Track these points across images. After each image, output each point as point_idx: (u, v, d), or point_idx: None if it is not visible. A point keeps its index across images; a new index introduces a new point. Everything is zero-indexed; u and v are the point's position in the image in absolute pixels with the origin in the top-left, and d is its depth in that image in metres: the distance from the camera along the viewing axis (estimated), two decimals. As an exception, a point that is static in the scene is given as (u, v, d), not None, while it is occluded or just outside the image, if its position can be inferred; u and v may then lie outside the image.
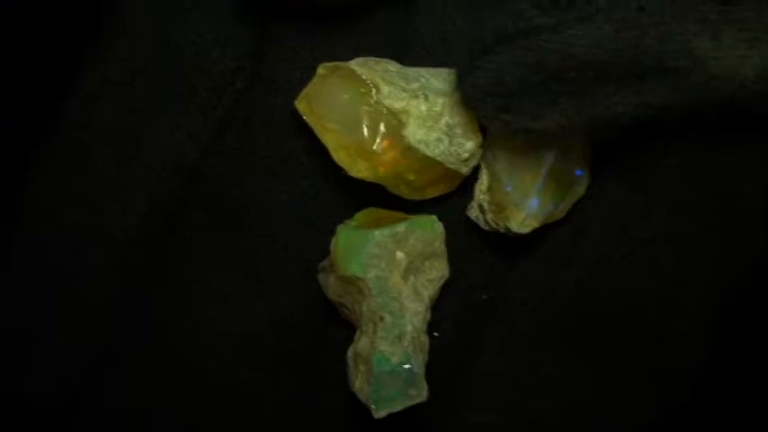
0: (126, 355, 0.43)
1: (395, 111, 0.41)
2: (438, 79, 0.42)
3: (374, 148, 0.41)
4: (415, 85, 0.41)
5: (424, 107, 0.41)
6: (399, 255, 0.41)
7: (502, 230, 0.42)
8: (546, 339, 0.43)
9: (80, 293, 0.42)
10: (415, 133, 0.41)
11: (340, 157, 0.41)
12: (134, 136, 0.42)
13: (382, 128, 0.41)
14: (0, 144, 0.42)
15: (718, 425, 0.43)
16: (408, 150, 0.41)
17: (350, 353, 0.41)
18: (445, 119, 0.41)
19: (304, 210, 0.43)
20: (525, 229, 0.42)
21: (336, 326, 0.43)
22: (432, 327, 0.43)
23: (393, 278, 0.41)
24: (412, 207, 0.43)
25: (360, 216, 0.42)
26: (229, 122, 0.43)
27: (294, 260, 0.43)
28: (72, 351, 0.42)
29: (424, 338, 0.41)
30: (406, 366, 0.40)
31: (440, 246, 0.42)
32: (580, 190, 0.43)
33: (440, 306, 0.43)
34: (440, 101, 0.41)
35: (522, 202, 0.42)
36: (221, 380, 0.43)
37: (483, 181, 0.43)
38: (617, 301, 0.43)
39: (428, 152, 0.41)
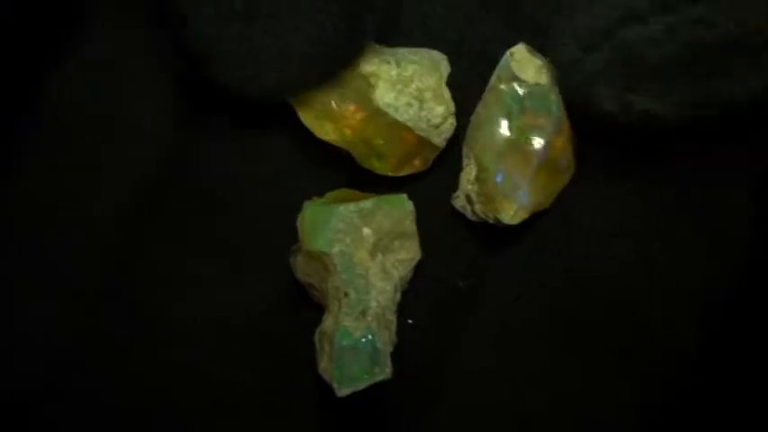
0: (108, 339, 0.43)
1: (365, 74, 0.41)
2: (412, 53, 0.42)
3: (340, 109, 0.41)
4: (388, 55, 0.41)
5: (394, 72, 0.41)
6: (366, 231, 0.40)
7: (491, 221, 0.42)
8: (536, 332, 0.42)
9: (62, 278, 0.42)
10: (383, 96, 0.41)
11: (307, 119, 0.41)
12: (110, 120, 0.43)
13: (350, 90, 0.41)
14: None
15: (708, 416, 0.43)
16: (377, 114, 0.41)
17: (317, 334, 0.41)
18: (416, 83, 0.41)
19: (278, 192, 0.43)
20: (515, 221, 0.42)
21: (308, 309, 0.42)
22: (407, 312, 0.42)
23: (359, 254, 0.40)
24: (390, 192, 0.42)
25: (330, 195, 0.42)
26: (204, 105, 0.43)
27: (268, 243, 0.43)
28: (55, 336, 0.42)
29: (391, 317, 0.40)
30: (369, 339, 0.39)
31: (410, 225, 0.41)
32: (565, 179, 0.43)
33: (414, 291, 0.42)
34: (411, 67, 0.41)
35: (512, 193, 0.42)
36: (199, 365, 0.42)
37: (470, 171, 0.42)
38: (608, 294, 0.42)
39: (397, 116, 0.41)
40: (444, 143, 0.42)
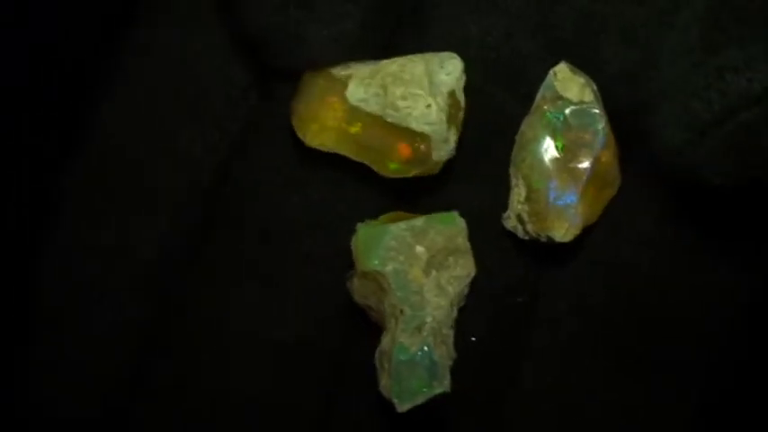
0: (158, 376, 0.43)
1: (340, 77, 0.42)
2: (406, 58, 0.43)
3: (321, 114, 0.42)
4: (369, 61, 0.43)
5: (367, 70, 0.42)
6: (419, 249, 0.41)
7: (543, 240, 0.42)
8: (589, 348, 0.43)
9: (108, 315, 0.43)
10: (354, 93, 0.42)
11: (299, 129, 0.43)
12: (153, 152, 0.43)
13: (330, 93, 0.42)
14: (25, 166, 0.43)
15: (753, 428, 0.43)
16: (353, 111, 0.42)
17: (377, 353, 0.41)
18: (381, 74, 0.42)
19: (324, 217, 0.43)
20: (568, 238, 0.42)
21: (368, 332, 0.43)
22: (467, 330, 0.42)
23: (413, 272, 0.41)
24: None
25: (383, 217, 0.42)
26: (245, 136, 0.44)
27: (317, 269, 0.43)
28: (103, 376, 0.43)
29: (448, 332, 0.41)
30: (425, 351, 0.40)
31: (463, 242, 0.42)
32: (612, 192, 0.43)
33: (472, 308, 0.43)
34: (384, 61, 0.43)
35: (563, 212, 0.42)
36: (255, 396, 0.43)
37: (520, 191, 0.43)
38: (660, 307, 0.43)
39: (368, 109, 0.42)
40: (430, 129, 0.42)
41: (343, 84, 0.42)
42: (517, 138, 0.44)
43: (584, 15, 0.44)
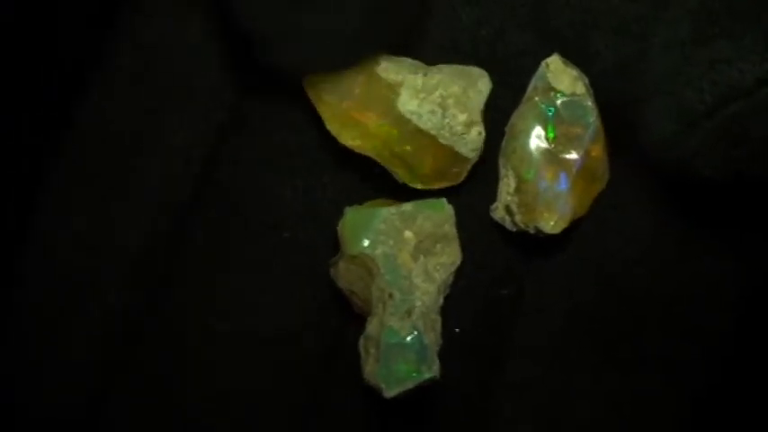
0: (143, 362, 0.42)
1: (391, 82, 0.41)
2: (445, 67, 0.42)
3: (364, 116, 0.41)
4: (415, 66, 0.42)
5: (420, 81, 0.41)
6: (407, 234, 0.40)
7: (531, 232, 0.42)
8: (577, 342, 0.42)
9: (94, 304, 0.42)
10: (406, 103, 0.41)
11: (332, 126, 0.41)
12: (138, 142, 0.43)
13: (374, 99, 0.41)
14: (11, 156, 0.43)
15: (754, 421, 0.43)
16: (400, 121, 0.41)
17: (361, 340, 0.40)
18: (439, 91, 0.41)
19: (310, 205, 0.43)
20: (557, 230, 0.42)
21: (350, 321, 0.42)
22: (452, 321, 0.42)
23: (402, 256, 0.40)
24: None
25: (369, 203, 0.42)
26: (232, 125, 0.43)
27: (303, 257, 0.43)
28: (88, 362, 0.42)
29: (436, 317, 0.40)
30: (415, 336, 0.39)
31: (450, 229, 0.41)
32: (601, 186, 0.43)
33: (457, 299, 0.42)
34: (437, 76, 0.41)
35: (552, 203, 0.42)
36: (241, 385, 0.42)
37: (509, 182, 0.43)
38: (648, 300, 0.42)
39: (420, 124, 0.41)
40: (474, 155, 0.42)
41: (392, 90, 0.41)
42: (507, 129, 0.43)
43: (577, 9, 0.44)
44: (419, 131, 0.41)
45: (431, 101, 0.41)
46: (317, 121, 0.42)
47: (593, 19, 0.43)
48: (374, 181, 0.43)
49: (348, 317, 0.42)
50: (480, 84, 0.42)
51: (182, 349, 0.42)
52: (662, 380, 0.42)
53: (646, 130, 0.41)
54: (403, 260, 0.40)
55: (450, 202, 0.42)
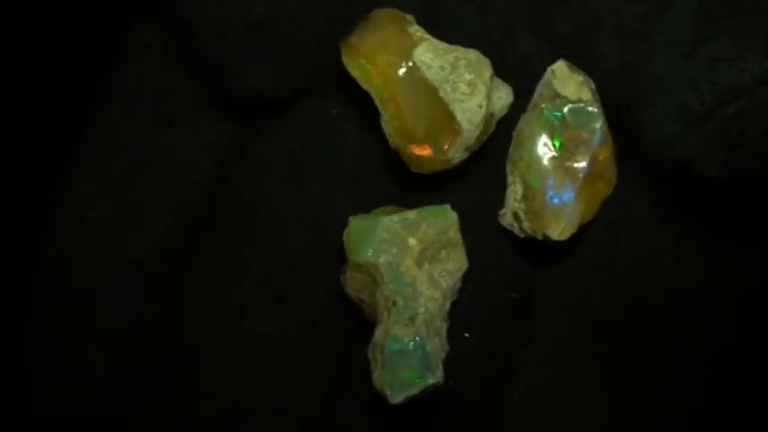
0: (156, 374, 0.43)
1: (414, 37, 0.42)
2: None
3: (378, 52, 0.42)
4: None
5: (442, 45, 0.42)
6: (411, 241, 0.41)
7: (539, 238, 0.42)
8: (584, 346, 0.42)
9: (105, 314, 0.43)
10: (422, 54, 0.42)
11: (348, 59, 0.42)
12: (151, 151, 0.43)
13: (395, 41, 0.42)
14: (23, 170, 0.43)
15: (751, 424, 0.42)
16: (411, 68, 0.42)
17: (369, 347, 0.41)
18: (456, 54, 0.42)
19: (318, 212, 0.43)
20: (564, 237, 0.42)
21: (361, 328, 0.42)
22: (461, 326, 0.42)
23: (405, 264, 0.40)
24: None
25: (375, 212, 0.42)
26: (242, 135, 0.44)
27: (313, 265, 0.43)
28: (105, 375, 0.43)
29: (441, 324, 0.41)
30: (418, 342, 0.39)
31: (455, 234, 0.41)
32: (608, 190, 0.43)
33: (466, 304, 0.43)
34: (460, 48, 0.43)
35: (560, 210, 0.42)
36: (252, 392, 0.42)
37: (516, 189, 0.43)
38: (655, 305, 0.42)
39: (428, 75, 0.42)
40: (469, 129, 0.42)
41: (413, 41, 0.42)
42: (514, 135, 0.44)
43: (580, 11, 0.44)
44: (424, 82, 0.42)
45: (445, 59, 0.42)
46: (325, 130, 0.43)
47: (596, 21, 0.43)
48: (382, 189, 0.43)
49: (359, 324, 0.42)
50: (503, 92, 0.43)
51: (193, 356, 0.43)
52: (670, 383, 0.42)
53: (648, 131, 0.41)
54: (406, 267, 0.40)
55: (459, 208, 0.42)
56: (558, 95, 0.43)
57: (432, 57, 0.42)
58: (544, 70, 0.43)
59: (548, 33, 0.44)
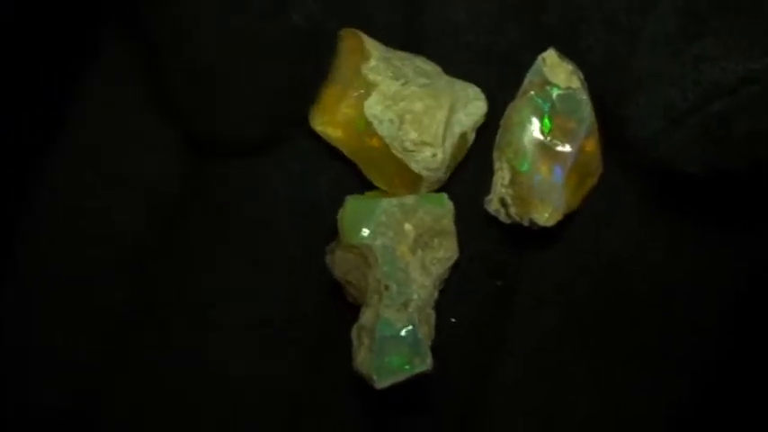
0: (137, 351, 0.43)
1: (369, 81, 0.42)
2: (438, 78, 0.43)
3: (338, 104, 0.42)
4: (407, 70, 0.42)
5: (393, 89, 0.42)
6: (407, 226, 0.41)
7: (526, 224, 0.42)
8: (570, 335, 0.43)
9: (89, 298, 0.43)
10: (372, 107, 0.42)
11: (314, 111, 0.42)
12: (132, 135, 0.43)
13: (352, 89, 0.42)
14: (5, 153, 0.43)
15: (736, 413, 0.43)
16: (367, 125, 0.42)
17: (354, 329, 0.41)
18: (404, 104, 0.42)
19: (305, 195, 0.43)
20: (551, 222, 0.42)
21: (343, 309, 0.43)
22: (447, 313, 0.43)
23: (400, 249, 0.40)
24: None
25: (370, 194, 0.42)
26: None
27: (294, 245, 0.43)
28: (84, 358, 0.42)
29: (430, 311, 0.41)
30: (411, 329, 0.40)
31: (449, 223, 0.42)
32: (594, 180, 0.44)
33: (453, 291, 0.43)
34: (413, 89, 0.42)
35: (547, 196, 0.42)
36: (233, 374, 0.43)
37: (504, 175, 0.43)
38: (640, 296, 0.43)
39: (378, 130, 0.41)
40: (429, 174, 0.42)
41: (368, 88, 0.42)
42: (502, 122, 0.44)
43: (567, 3, 0.44)
44: (378, 138, 0.42)
45: (394, 110, 0.41)
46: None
47: (582, 13, 0.44)
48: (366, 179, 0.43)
49: (341, 306, 0.42)
50: (472, 107, 0.43)
51: (175, 338, 0.42)
52: (655, 373, 0.43)
53: (632, 127, 0.42)
54: (401, 252, 0.40)
55: (448, 192, 0.42)
56: (547, 82, 0.43)
57: (381, 109, 0.41)
58: (530, 60, 0.44)
59: (535, 25, 0.44)
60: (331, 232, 0.42)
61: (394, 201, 0.41)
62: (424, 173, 0.41)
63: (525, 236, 0.43)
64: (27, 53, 0.42)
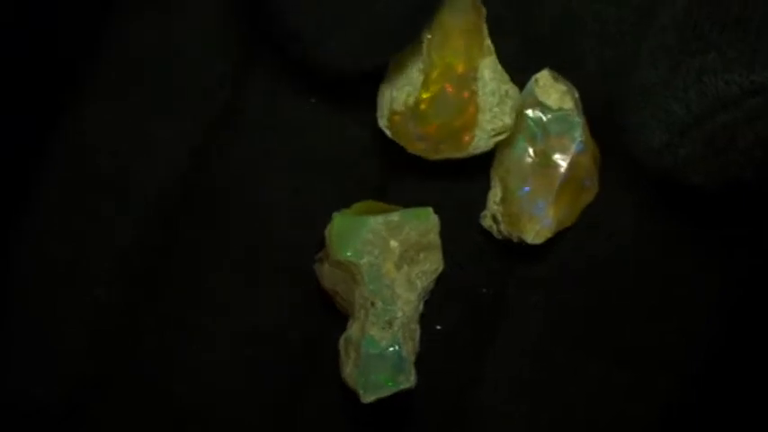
0: (128, 356, 0.43)
1: (483, 43, 0.43)
2: None
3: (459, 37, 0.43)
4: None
5: (498, 68, 0.43)
6: (393, 243, 0.41)
7: (515, 241, 0.43)
8: (559, 346, 0.44)
9: (85, 301, 0.43)
10: (485, 69, 0.43)
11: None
12: (128, 140, 0.43)
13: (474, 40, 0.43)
14: (5, 152, 0.43)
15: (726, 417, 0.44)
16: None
17: (342, 340, 0.42)
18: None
19: (297, 205, 0.43)
20: (538, 240, 0.43)
21: (333, 318, 0.43)
22: (432, 321, 0.43)
23: (386, 266, 0.41)
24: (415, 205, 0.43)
25: (356, 206, 0.43)
26: (220, 124, 0.44)
27: (289, 255, 0.43)
28: (77, 359, 0.43)
29: (415, 327, 0.42)
30: (395, 349, 0.40)
31: (434, 237, 0.42)
32: (589, 197, 0.44)
33: (441, 302, 0.44)
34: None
35: (535, 214, 0.43)
36: (223, 380, 0.43)
37: (496, 192, 0.44)
38: (631, 306, 0.44)
39: (480, 93, 0.42)
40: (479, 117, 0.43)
41: (482, 48, 0.43)
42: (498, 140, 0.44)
43: (561, 15, 0.44)
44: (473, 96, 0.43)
45: (502, 88, 0.43)
46: (306, 121, 0.43)
47: (576, 24, 0.44)
48: (362, 182, 0.44)
49: (331, 314, 0.43)
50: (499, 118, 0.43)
51: (165, 345, 0.43)
52: (644, 381, 0.43)
53: (635, 139, 0.42)
54: (387, 270, 0.41)
55: (445, 205, 0.43)
56: (539, 104, 0.44)
57: (490, 75, 0.42)
58: (526, 74, 0.44)
59: (528, 37, 0.44)
60: (322, 241, 0.42)
61: (380, 218, 0.41)
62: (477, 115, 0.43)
63: (518, 250, 0.44)
64: (27, 53, 0.43)
